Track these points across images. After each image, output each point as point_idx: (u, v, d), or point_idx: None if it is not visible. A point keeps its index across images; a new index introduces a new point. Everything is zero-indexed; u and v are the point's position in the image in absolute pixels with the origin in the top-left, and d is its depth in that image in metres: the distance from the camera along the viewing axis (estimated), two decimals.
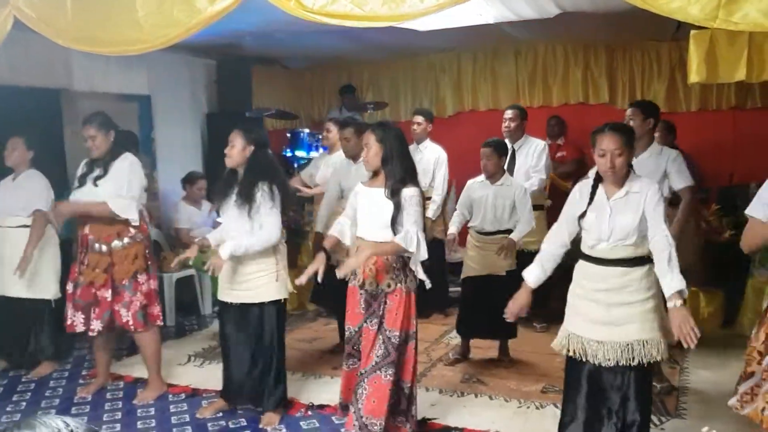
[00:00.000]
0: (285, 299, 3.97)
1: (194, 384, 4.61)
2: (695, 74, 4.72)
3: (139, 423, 4.05)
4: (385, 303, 3.44)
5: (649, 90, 7.17)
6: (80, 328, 4.19)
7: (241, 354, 3.97)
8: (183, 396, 4.45)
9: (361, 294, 3.51)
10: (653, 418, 3.84)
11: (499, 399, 4.27)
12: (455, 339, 5.35)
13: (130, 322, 4.19)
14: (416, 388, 3.65)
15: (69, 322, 4.21)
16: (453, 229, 4.99)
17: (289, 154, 7.62)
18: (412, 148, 5.83)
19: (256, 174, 3.82)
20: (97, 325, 4.13)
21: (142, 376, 4.60)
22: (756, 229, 2.75)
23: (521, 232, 4.79)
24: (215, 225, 5.43)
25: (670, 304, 2.86)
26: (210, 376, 4.59)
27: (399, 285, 3.42)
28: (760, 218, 2.71)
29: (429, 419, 3.94)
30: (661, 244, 2.95)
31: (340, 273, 3.32)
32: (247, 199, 3.76)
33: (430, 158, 5.99)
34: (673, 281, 2.87)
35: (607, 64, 7.30)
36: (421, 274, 3.42)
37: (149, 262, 4.28)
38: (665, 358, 3.12)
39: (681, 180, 4.29)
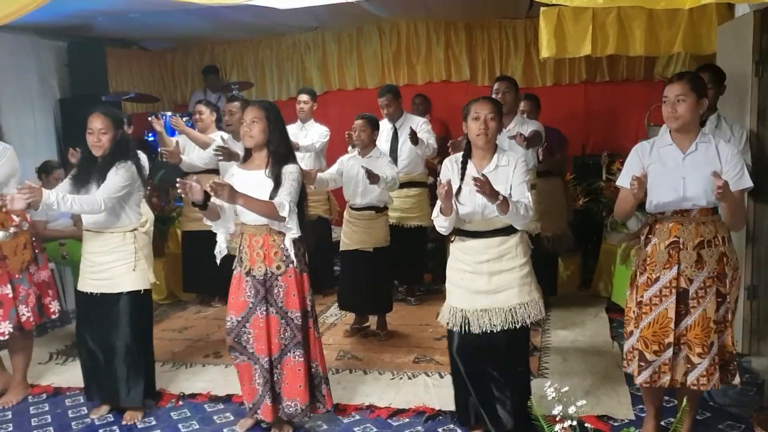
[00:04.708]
0: (148, 290, 3.83)
1: (57, 383, 4.40)
2: (546, 49, 4.97)
3: None
4: (280, 286, 3.40)
5: (507, 66, 7.44)
6: None
7: (99, 347, 3.80)
8: (44, 396, 4.23)
9: (247, 281, 3.42)
10: None
11: (373, 372, 4.33)
12: (330, 318, 5.42)
13: (31, 319, 3.95)
14: (325, 367, 3.64)
15: None
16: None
17: (151, 139, 7.31)
18: (296, 126, 5.88)
19: (117, 156, 3.67)
20: (6, 327, 3.84)
21: None
22: (622, 197, 3.03)
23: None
24: (74, 217, 5.16)
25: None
26: (74, 374, 4.36)
27: (290, 266, 3.40)
28: (626, 186, 3.01)
29: None
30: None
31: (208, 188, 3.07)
32: (101, 179, 3.61)
33: (317, 136, 5.95)
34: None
35: (467, 42, 7.49)
36: (291, 254, 3.37)
37: (37, 251, 4.02)
38: (543, 316, 3.27)
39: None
